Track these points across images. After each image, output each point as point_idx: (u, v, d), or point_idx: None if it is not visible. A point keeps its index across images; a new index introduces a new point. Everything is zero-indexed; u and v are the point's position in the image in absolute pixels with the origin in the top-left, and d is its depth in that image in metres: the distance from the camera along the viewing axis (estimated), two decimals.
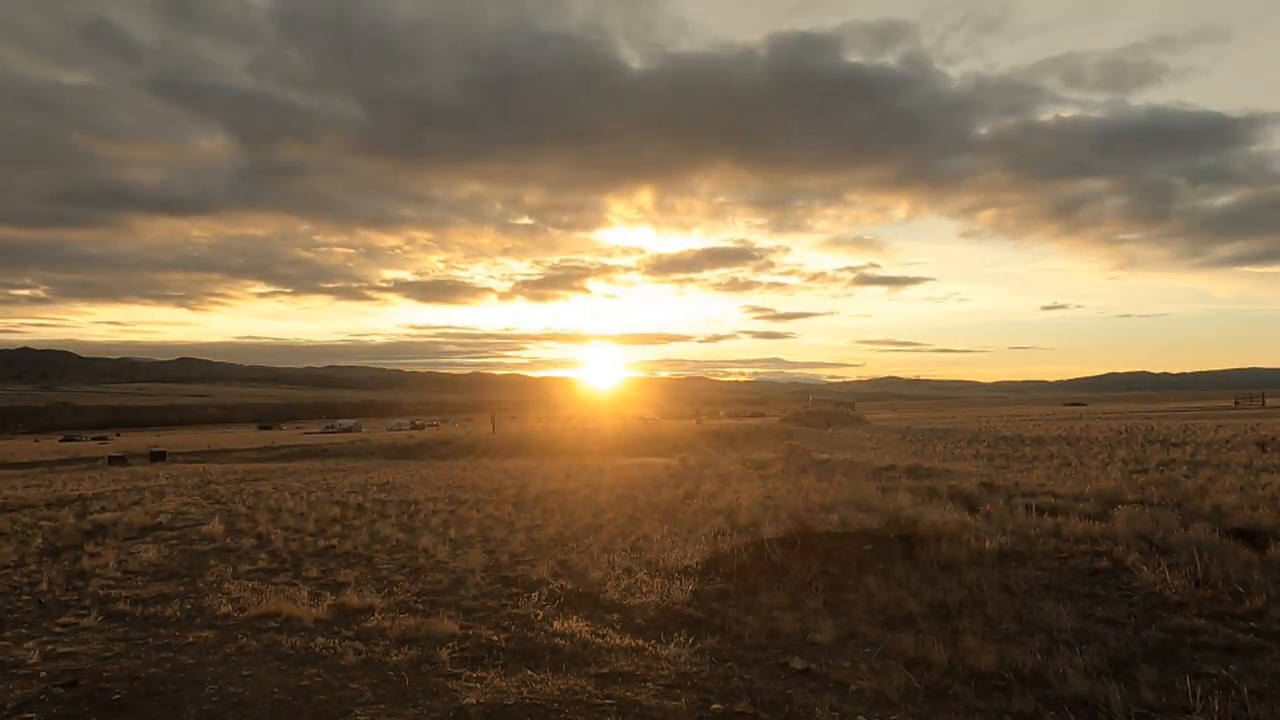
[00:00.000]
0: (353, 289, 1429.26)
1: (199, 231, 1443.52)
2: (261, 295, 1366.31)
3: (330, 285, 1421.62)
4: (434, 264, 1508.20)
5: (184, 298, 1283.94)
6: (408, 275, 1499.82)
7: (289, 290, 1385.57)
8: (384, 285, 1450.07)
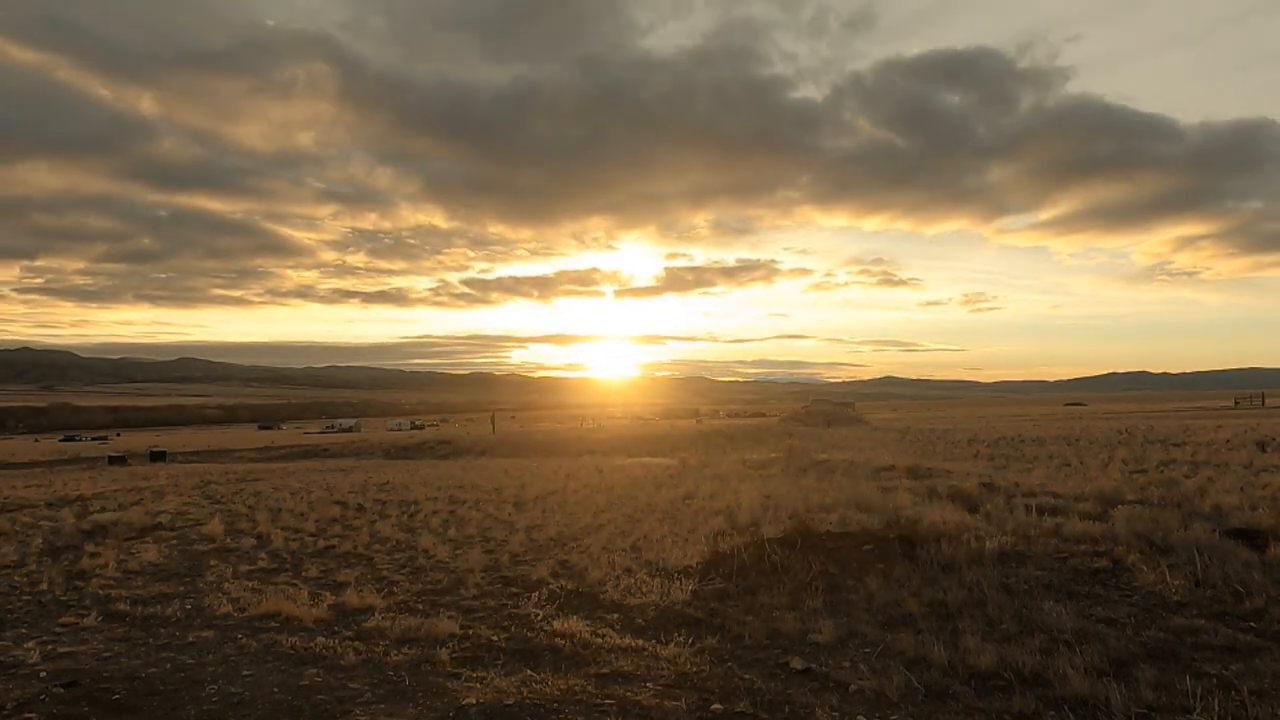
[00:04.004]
0: (354, 291, 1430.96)
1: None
2: (262, 297, 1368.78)
3: (331, 287, 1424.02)
4: (436, 269, 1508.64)
5: (184, 298, 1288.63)
6: (410, 279, 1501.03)
7: (290, 293, 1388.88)
8: (385, 288, 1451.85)
